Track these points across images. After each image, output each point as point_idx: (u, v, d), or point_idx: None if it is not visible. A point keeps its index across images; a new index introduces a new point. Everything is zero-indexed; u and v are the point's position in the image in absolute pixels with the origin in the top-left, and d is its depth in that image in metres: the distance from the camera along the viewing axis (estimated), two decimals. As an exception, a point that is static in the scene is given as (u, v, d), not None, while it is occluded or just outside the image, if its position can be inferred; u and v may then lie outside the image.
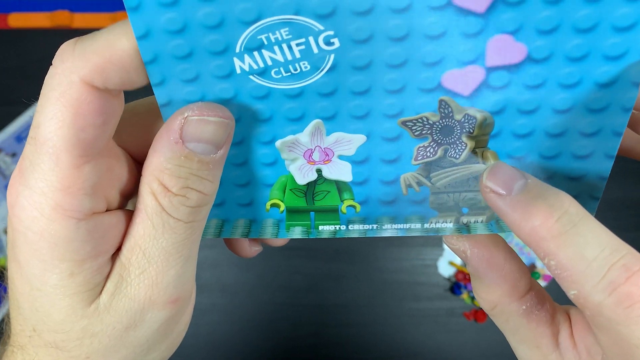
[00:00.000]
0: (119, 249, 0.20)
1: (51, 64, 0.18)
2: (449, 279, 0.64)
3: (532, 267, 0.64)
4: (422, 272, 0.64)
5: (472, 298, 0.63)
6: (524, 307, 0.22)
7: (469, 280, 0.63)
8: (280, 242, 0.25)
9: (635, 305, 0.16)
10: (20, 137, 0.63)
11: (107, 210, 0.20)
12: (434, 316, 0.63)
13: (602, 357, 0.20)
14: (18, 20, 0.71)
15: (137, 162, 0.23)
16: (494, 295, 0.22)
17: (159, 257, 0.20)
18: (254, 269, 0.65)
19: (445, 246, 0.65)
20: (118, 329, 0.20)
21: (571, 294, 0.17)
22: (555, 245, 0.17)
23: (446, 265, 0.64)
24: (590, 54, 0.19)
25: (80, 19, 0.71)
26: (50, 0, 0.71)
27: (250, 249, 0.26)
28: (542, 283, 0.64)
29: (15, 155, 0.62)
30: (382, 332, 0.63)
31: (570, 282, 0.17)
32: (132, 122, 0.22)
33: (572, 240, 0.17)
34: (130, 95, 0.20)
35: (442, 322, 0.63)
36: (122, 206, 0.22)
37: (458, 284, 0.63)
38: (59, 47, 0.18)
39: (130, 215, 0.21)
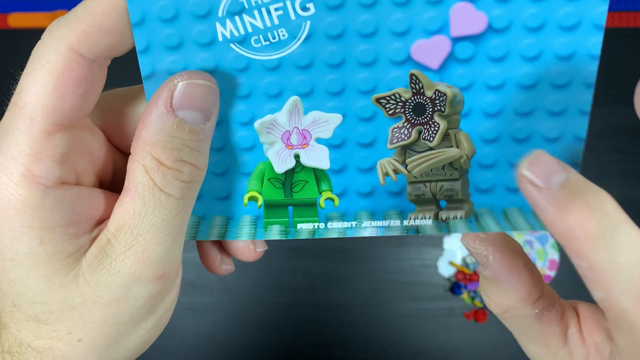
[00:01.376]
0: (100, 223, 0.21)
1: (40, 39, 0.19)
2: (449, 279, 0.64)
3: (532, 267, 0.64)
4: (422, 272, 0.65)
5: (472, 298, 0.63)
6: (537, 310, 0.22)
7: (469, 280, 0.63)
8: (252, 255, 0.25)
9: None
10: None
11: (78, 184, 0.21)
12: (434, 316, 0.63)
13: (610, 353, 0.20)
14: (18, 20, 0.71)
15: (116, 150, 0.23)
16: (509, 300, 0.22)
17: (148, 234, 0.20)
18: (256, 269, 0.65)
19: (445, 246, 0.65)
20: (100, 302, 0.20)
21: (597, 296, 0.17)
22: (590, 248, 0.16)
23: (446, 265, 0.64)
24: (546, 24, 0.20)
25: (80, 19, 0.71)
26: (50, 0, 0.71)
27: (221, 266, 0.26)
28: (542, 283, 0.64)
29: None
30: (382, 332, 0.63)
31: (599, 285, 0.17)
32: (113, 106, 0.23)
33: (607, 245, 0.16)
34: (114, 84, 0.21)
35: (442, 322, 0.63)
36: (95, 185, 0.22)
37: (458, 284, 0.63)
38: None
39: (107, 195, 0.21)
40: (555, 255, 0.64)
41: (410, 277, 0.64)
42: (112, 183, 0.23)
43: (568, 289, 0.61)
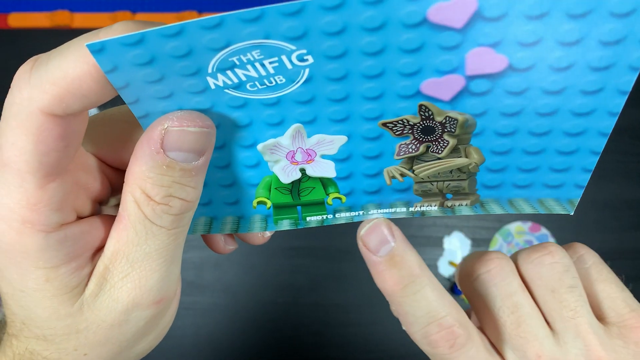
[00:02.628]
0: (100, 250, 0.21)
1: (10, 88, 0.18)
2: (449, 279, 0.64)
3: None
4: (422, 272, 0.64)
5: (472, 298, 0.63)
6: None
7: (469, 280, 0.63)
8: (260, 240, 0.25)
9: (438, 349, 0.23)
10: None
11: (79, 218, 0.21)
12: (434, 316, 0.63)
13: None
14: (18, 20, 0.71)
15: (111, 168, 0.23)
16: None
17: (143, 263, 0.20)
18: (256, 268, 0.65)
19: (445, 246, 0.65)
20: (103, 326, 0.21)
21: (404, 328, 0.25)
22: (397, 303, 0.23)
23: (446, 265, 0.64)
24: (575, 65, 0.19)
25: (80, 19, 0.71)
26: (50, 0, 0.71)
27: (225, 247, 0.26)
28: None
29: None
30: (382, 332, 0.63)
31: (404, 324, 0.24)
32: (109, 129, 0.22)
33: (409, 303, 0.23)
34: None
35: (442, 322, 0.63)
36: (95, 211, 0.22)
37: (458, 284, 0.63)
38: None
39: (106, 220, 0.21)
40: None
41: (410, 277, 0.64)
42: (110, 197, 0.23)
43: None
